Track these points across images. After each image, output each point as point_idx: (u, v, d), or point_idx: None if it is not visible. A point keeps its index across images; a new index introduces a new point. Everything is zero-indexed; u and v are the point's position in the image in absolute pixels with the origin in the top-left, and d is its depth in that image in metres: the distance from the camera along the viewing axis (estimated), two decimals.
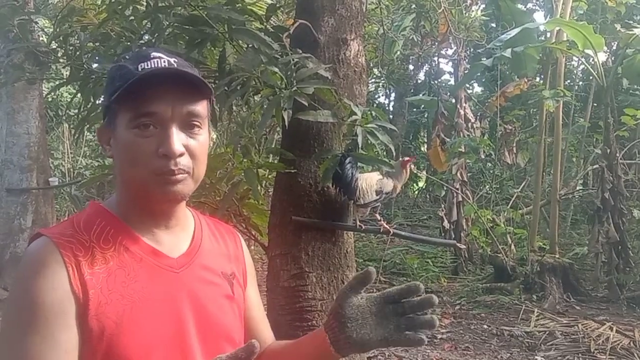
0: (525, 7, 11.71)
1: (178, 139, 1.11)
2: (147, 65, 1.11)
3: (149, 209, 1.17)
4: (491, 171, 10.70)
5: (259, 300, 1.42)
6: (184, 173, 1.12)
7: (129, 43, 2.83)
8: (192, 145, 1.13)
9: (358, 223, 2.82)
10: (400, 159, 3.06)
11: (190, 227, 1.26)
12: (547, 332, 5.58)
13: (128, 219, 1.17)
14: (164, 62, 1.13)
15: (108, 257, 1.10)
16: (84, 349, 1.05)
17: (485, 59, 8.95)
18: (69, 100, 9.61)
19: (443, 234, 8.48)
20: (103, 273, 1.08)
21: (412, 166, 3.10)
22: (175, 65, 1.13)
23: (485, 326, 6.03)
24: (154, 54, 1.14)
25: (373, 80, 13.21)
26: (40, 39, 5.18)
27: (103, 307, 1.06)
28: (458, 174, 8.42)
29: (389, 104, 16.56)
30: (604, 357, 4.93)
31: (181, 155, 1.11)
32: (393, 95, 16.22)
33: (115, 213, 1.17)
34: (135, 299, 1.09)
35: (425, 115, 15.57)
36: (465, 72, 9.03)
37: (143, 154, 1.10)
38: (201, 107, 1.15)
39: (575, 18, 8.15)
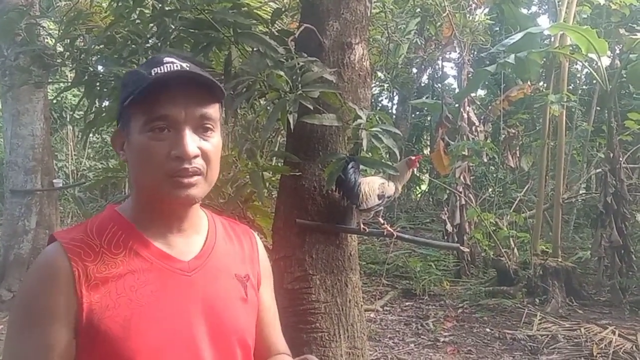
0: (528, 11, 11.72)
1: (192, 141, 1.11)
2: (160, 70, 1.12)
3: (162, 212, 1.17)
4: (494, 175, 10.69)
5: (273, 303, 1.41)
6: (197, 174, 1.12)
7: (135, 46, 2.85)
8: (205, 148, 1.14)
9: (362, 226, 2.82)
10: (406, 158, 3.03)
11: (203, 229, 1.26)
12: (549, 336, 5.58)
13: (141, 222, 1.18)
14: (177, 66, 1.13)
15: (118, 262, 1.11)
16: (90, 352, 1.07)
17: (488, 63, 8.94)
18: (73, 102, 9.65)
19: (446, 237, 8.47)
20: (112, 277, 1.10)
21: (417, 165, 3.06)
22: (188, 69, 1.14)
23: (487, 329, 6.02)
24: (167, 59, 1.15)
25: (377, 83, 13.22)
26: (46, 41, 5.20)
27: (110, 310, 1.07)
28: (461, 177, 8.41)
29: (392, 107, 16.56)
30: None
31: (195, 157, 1.12)
32: (396, 98, 16.22)
33: (129, 217, 1.18)
34: (143, 303, 1.10)
35: (429, 119, 15.54)
36: (469, 76, 9.03)
37: (157, 157, 1.10)
38: (213, 110, 1.16)
39: (579, 22, 8.15)
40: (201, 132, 1.14)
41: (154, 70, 1.12)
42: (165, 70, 1.12)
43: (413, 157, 3.00)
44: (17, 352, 1.07)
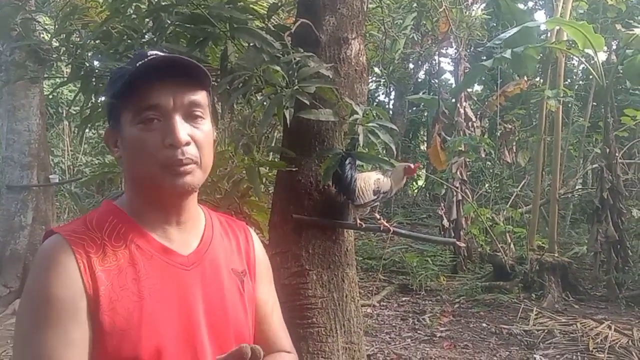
0: (525, 6, 11.72)
1: (183, 128, 1.12)
2: (144, 62, 1.12)
3: (159, 203, 1.17)
4: (491, 170, 10.72)
5: (271, 298, 1.40)
6: (191, 163, 1.13)
7: (130, 41, 2.84)
8: (197, 135, 1.14)
9: (358, 221, 2.82)
10: (406, 164, 2.99)
11: (201, 224, 1.27)
12: (545, 331, 5.60)
13: (139, 216, 1.18)
14: (160, 56, 1.14)
15: (119, 255, 1.11)
16: (96, 345, 1.06)
17: (485, 58, 8.93)
18: (69, 97, 9.63)
19: (442, 233, 8.47)
20: (114, 270, 1.09)
21: (415, 174, 3.02)
22: (170, 55, 1.15)
23: (484, 324, 6.04)
24: (151, 52, 1.16)
25: (374, 79, 13.22)
26: (42, 36, 5.18)
27: (114, 303, 1.07)
28: (458, 173, 8.42)
29: (389, 103, 16.57)
30: (603, 355, 4.94)
31: (187, 144, 1.12)
32: (393, 93, 16.22)
33: (127, 211, 1.18)
34: (145, 295, 1.10)
35: (425, 114, 15.56)
36: (466, 71, 9.03)
37: (150, 147, 1.11)
38: (201, 97, 1.16)
39: (576, 17, 8.15)
40: (191, 120, 1.15)
41: (139, 64, 1.12)
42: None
43: (412, 165, 2.96)
44: (41, 351, 1.03)
